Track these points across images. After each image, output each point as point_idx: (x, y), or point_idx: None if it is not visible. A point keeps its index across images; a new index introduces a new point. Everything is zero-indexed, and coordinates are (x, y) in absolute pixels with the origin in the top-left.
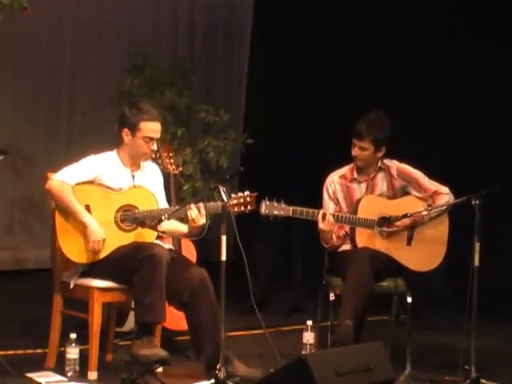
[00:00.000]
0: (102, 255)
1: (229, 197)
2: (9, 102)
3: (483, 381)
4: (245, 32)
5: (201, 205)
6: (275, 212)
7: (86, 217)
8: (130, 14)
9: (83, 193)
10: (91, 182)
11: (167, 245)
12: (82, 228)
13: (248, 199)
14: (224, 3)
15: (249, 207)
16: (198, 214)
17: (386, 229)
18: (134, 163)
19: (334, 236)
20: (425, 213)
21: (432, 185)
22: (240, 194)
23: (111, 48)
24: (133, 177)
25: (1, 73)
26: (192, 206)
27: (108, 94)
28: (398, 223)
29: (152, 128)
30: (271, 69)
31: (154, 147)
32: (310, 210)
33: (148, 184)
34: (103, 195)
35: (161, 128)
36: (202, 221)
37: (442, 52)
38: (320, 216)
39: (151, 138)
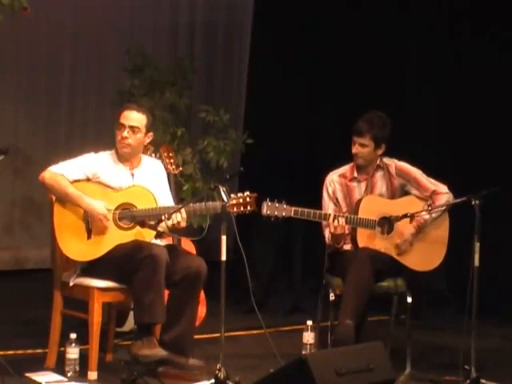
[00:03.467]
0: (101, 252)
1: (229, 197)
2: (9, 102)
3: (483, 381)
4: (245, 32)
5: (197, 206)
6: (277, 213)
7: (83, 199)
8: (130, 14)
9: (82, 189)
10: (89, 180)
11: (166, 241)
12: (81, 221)
13: (248, 199)
14: (224, 3)
15: (248, 208)
16: (180, 220)
17: (399, 243)
18: (131, 160)
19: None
20: (425, 215)
21: (431, 183)
22: (240, 195)
23: (111, 48)
24: (132, 175)
25: (1, 73)
26: (177, 214)
27: (108, 94)
28: (405, 236)
29: (124, 115)
30: (271, 69)
31: (125, 134)
32: (312, 211)
33: (149, 181)
34: (102, 193)
35: (138, 117)
36: (183, 224)
37: (441, 52)
38: (335, 222)
39: (122, 125)
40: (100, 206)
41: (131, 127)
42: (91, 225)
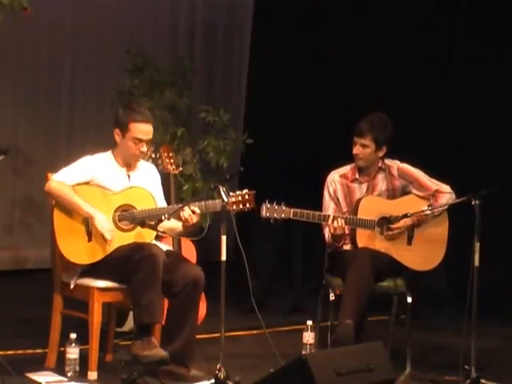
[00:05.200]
0: (103, 255)
1: (228, 196)
2: (9, 102)
3: (483, 381)
4: (245, 32)
5: (196, 208)
6: (276, 215)
7: (89, 209)
8: (130, 14)
9: (82, 193)
10: (88, 183)
11: (166, 246)
12: (81, 224)
13: (246, 197)
14: (224, 3)
15: (248, 205)
16: (190, 214)
17: (388, 232)
18: (128, 163)
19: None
20: (428, 212)
21: (433, 183)
22: (238, 192)
23: (111, 48)
24: (128, 176)
25: (1, 73)
26: (185, 208)
27: (108, 94)
28: (399, 224)
29: (141, 129)
30: (271, 69)
31: (144, 149)
32: (311, 212)
33: (144, 184)
34: (101, 195)
35: (152, 129)
36: (196, 218)
37: (441, 52)
38: (334, 223)
39: (140, 140)
40: (105, 222)
41: (148, 141)
42: (91, 227)
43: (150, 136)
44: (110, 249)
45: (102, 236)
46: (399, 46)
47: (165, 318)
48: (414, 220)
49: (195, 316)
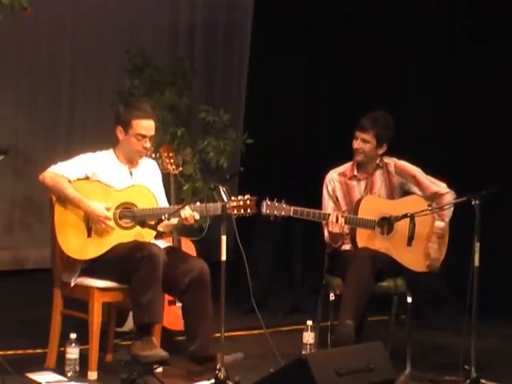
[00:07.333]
0: (101, 251)
1: (229, 197)
2: (9, 102)
3: (483, 381)
4: (245, 32)
5: (197, 214)
6: (276, 212)
7: (82, 202)
8: (130, 14)
9: (83, 188)
10: (88, 179)
11: (166, 243)
12: (81, 219)
13: (248, 202)
14: (224, 3)
15: (249, 210)
16: (191, 213)
17: (429, 264)
18: (131, 160)
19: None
20: (440, 223)
21: (431, 182)
22: (240, 197)
23: (111, 48)
24: (131, 173)
25: (1, 73)
26: (186, 207)
27: (108, 94)
28: (433, 255)
29: (144, 125)
30: (271, 69)
31: (147, 145)
32: (311, 211)
33: (146, 181)
34: (103, 192)
35: (154, 125)
36: (197, 216)
37: (441, 52)
38: (334, 219)
39: (143, 136)
40: (99, 207)
41: (151, 137)
42: (91, 223)
43: (153, 132)
44: (110, 244)
45: (102, 231)
46: (399, 46)
47: (182, 318)
48: (436, 241)
49: (209, 308)
